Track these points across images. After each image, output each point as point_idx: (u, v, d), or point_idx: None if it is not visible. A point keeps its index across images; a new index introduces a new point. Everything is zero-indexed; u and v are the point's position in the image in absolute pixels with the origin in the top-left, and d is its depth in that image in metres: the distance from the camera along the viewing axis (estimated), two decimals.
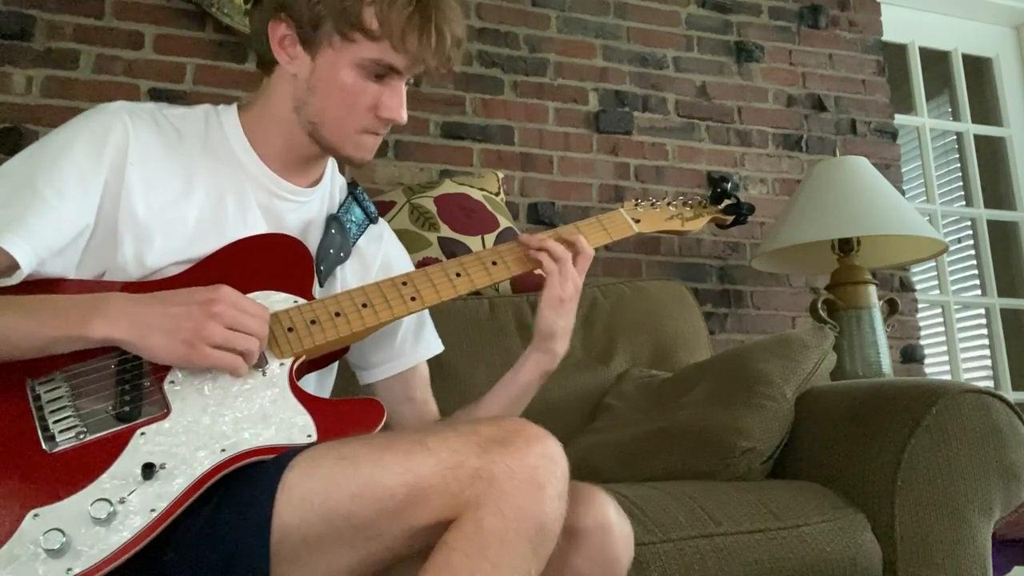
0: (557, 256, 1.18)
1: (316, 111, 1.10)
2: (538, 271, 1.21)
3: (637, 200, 1.34)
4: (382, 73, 1.08)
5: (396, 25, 1.04)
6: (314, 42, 1.07)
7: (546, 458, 0.84)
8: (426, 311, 1.26)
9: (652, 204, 1.35)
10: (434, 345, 1.31)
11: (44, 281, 1.00)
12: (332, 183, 1.25)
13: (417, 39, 1.05)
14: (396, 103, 1.10)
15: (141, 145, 1.06)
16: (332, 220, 1.20)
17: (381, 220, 1.30)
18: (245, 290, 1.01)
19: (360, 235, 1.24)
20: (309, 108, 1.10)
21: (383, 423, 0.97)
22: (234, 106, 1.17)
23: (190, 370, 0.96)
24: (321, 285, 1.15)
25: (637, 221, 1.30)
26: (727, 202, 1.40)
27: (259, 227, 1.12)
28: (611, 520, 0.95)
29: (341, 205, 1.23)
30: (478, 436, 0.85)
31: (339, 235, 1.19)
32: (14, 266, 0.94)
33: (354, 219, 1.24)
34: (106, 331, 0.91)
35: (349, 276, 1.22)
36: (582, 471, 1.37)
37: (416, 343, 1.27)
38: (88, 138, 1.03)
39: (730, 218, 1.41)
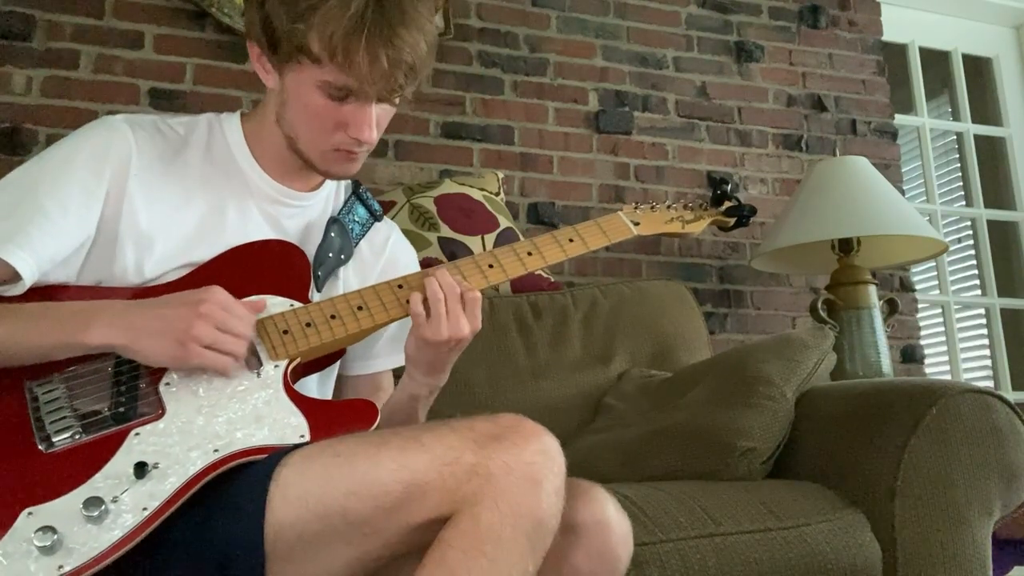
0: (433, 298, 1.06)
1: (290, 126, 1.11)
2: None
3: (636, 203, 1.34)
4: (343, 95, 1.06)
5: (338, 49, 1.01)
6: (277, 62, 1.08)
7: (543, 454, 0.84)
8: None
9: (652, 207, 1.34)
10: None
11: (48, 288, 1.01)
12: (337, 184, 1.25)
13: (367, 63, 1.01)
14: (361, 123, 1.07)
15: (144, 155, 1.08)
16: (332, 223, 1.20)
17: (388, 220, 1.30)
18: (241, 294, 1.02)
19: (363, 235, 1.24)
20: (285, 122, 1.12)
21: (377, 424, 0.97)
22: (237, 114, 1.19)
23: (185, 372, 0.97)
24: (319, 289, 1.15)
25: (636, 224, 1.30)
26: (728, 204, 1.39)
27: (260, 233, 1.13)
28: (610, 516, 0.95)
29: (344, 205, 1.24)
30: (474, 432, 0.84)
31: (339, 237, 1.20)
32: (16, 277, 0.96)
33: (357, 219, 1.24)
34: (102, 337, 0.93)
35: (352, 276, 1.22)
36: (582, 471, 1.36)
37: (393, 350, 1.25)
38: (91, 151, 1.05)
39: (732, 220, 1.40)
